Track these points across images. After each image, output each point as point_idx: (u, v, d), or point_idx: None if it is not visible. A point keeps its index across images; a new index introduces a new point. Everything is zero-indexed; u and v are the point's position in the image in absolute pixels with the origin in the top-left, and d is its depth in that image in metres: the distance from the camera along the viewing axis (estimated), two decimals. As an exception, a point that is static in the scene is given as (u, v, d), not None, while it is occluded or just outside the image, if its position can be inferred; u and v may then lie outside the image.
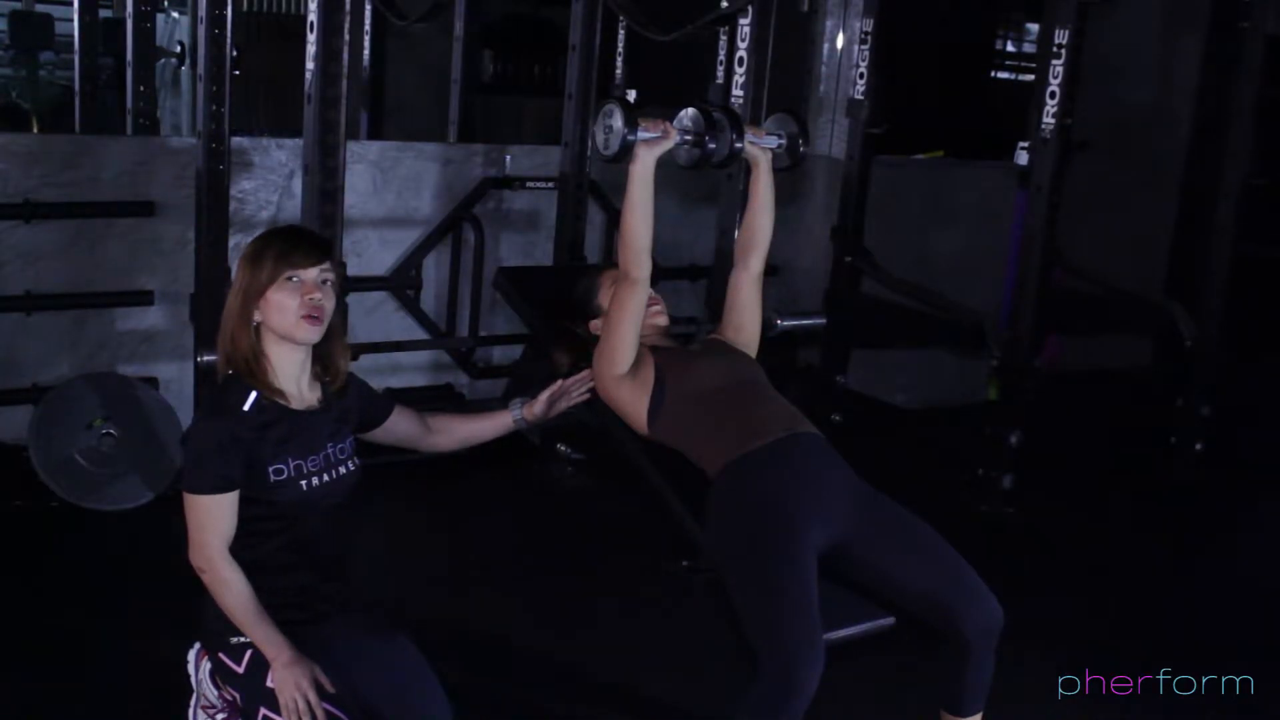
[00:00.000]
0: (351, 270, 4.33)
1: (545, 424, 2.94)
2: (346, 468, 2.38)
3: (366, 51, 6.38)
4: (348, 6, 3.62)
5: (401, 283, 4.96)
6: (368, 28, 6.31)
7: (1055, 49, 4.32)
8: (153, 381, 4.35)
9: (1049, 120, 4.36)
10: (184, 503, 2.25)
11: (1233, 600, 4.08)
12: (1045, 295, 4.52)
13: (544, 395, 2.80)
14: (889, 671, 3.37)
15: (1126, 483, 5.16)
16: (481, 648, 3.38)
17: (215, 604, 2.26)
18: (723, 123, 2.99)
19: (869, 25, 4.92)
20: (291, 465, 2.28)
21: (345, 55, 3.65)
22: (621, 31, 5.66)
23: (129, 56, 5.56)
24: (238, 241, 4.04)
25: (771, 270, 3.41)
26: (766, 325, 3.34)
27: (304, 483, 2.29)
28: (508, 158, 5.12)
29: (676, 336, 3.16)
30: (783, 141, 3.18)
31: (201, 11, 3.78)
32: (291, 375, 2.33)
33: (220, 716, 2.41)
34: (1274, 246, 6.13)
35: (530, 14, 8.72)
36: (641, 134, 2.83)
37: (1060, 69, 4.31)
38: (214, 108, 3.81)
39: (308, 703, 2.19)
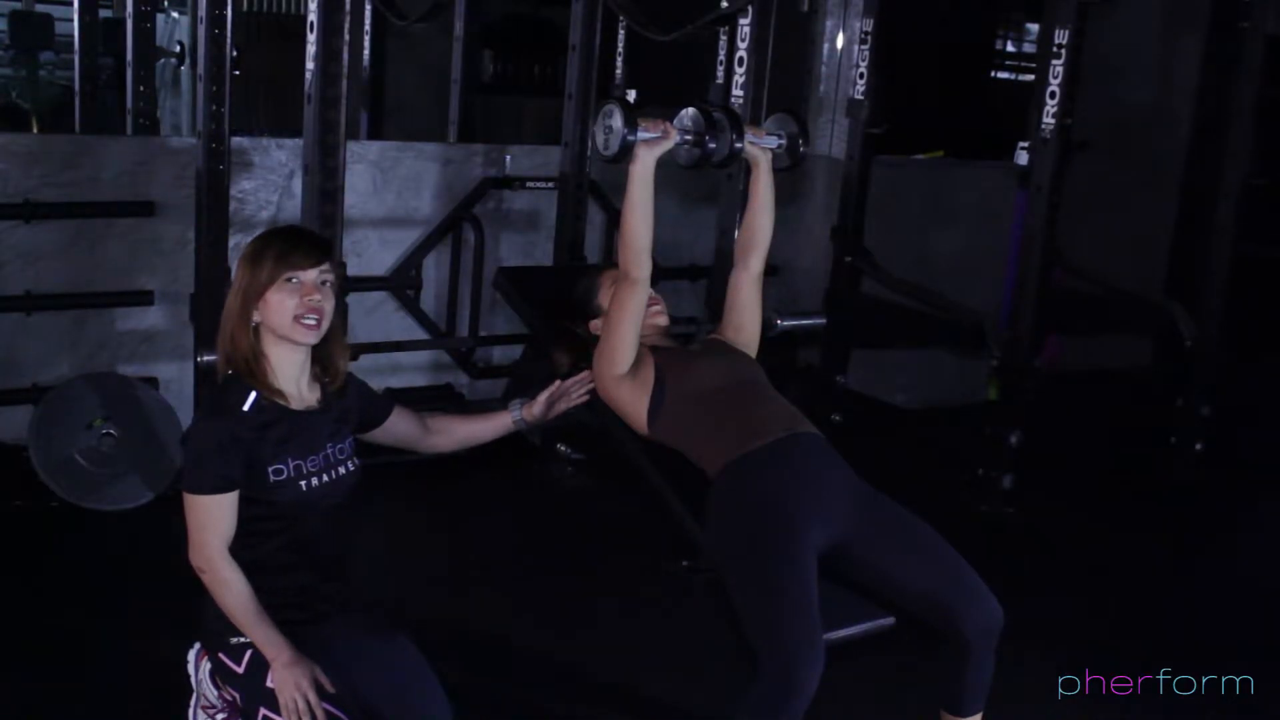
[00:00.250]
0: (351, 270, 4.33)
1: (545, 424, 2.93)
2: (346, 468, 2.38)
3: (366, 51, 6.38)
4: (348, 6, 3.62)
5: (401, 283, 4.95)
6: (368, 28, 6.31)
7: (1055, 49, 4.32)
8: (153, 381, 4.35)
9: (1049, 120, 4.36)
10: (184, 503, 2.25)
11: (1233, 600, 4.08)
12: (1045, 295, 4.52)
13: (543, 396, 2.80)
14: (889, 671, 3.37)
15: (1126, 483, 5.16)
16: (481, 648, 3.38)
17: (215, 604, 2.26)
18: (723, 123, 2.99)
19: (869, 25, 4.92)
20: (291, 465, 2.28)
21: (345, 55, 3.65)
22: (621, 31, 5.66)
23: (129, 56, 5.56)
24: (238, 241, 4.04)
25: (771, 270, 3.41)
26: (766, 325, 3.34)
27: (303, 483, 2.29)
28: (508, 158, 5.12)
29: (676, 336, 3.16)
30: (783, 141, 3.18)
31: (201, 11, 3.78)
32: (291, 375, 2.34)
33: (220, 716, 2.41)
34: (1274, 246, 6.13)
35: (530, 14, 8.72)
36: (641, 134, 2.83)
37: (1060, 69, 4.31)
38: (214, 108, 3.81)
39: (308, 703, 2.20)
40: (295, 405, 2.33)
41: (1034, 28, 7.66)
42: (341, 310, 2.46)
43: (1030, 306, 4.51)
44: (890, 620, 3.49)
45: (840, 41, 6.00)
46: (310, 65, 3.66)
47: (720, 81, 4.45)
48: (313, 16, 3.63)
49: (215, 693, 2.39)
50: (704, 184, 5.15)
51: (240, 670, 2.27)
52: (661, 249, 3.05)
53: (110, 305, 4.38)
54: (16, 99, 7.46)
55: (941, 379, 5.91)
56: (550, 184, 5.04)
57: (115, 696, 3.00)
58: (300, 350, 2.33)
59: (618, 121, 2.82)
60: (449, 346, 5.09)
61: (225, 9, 3.76)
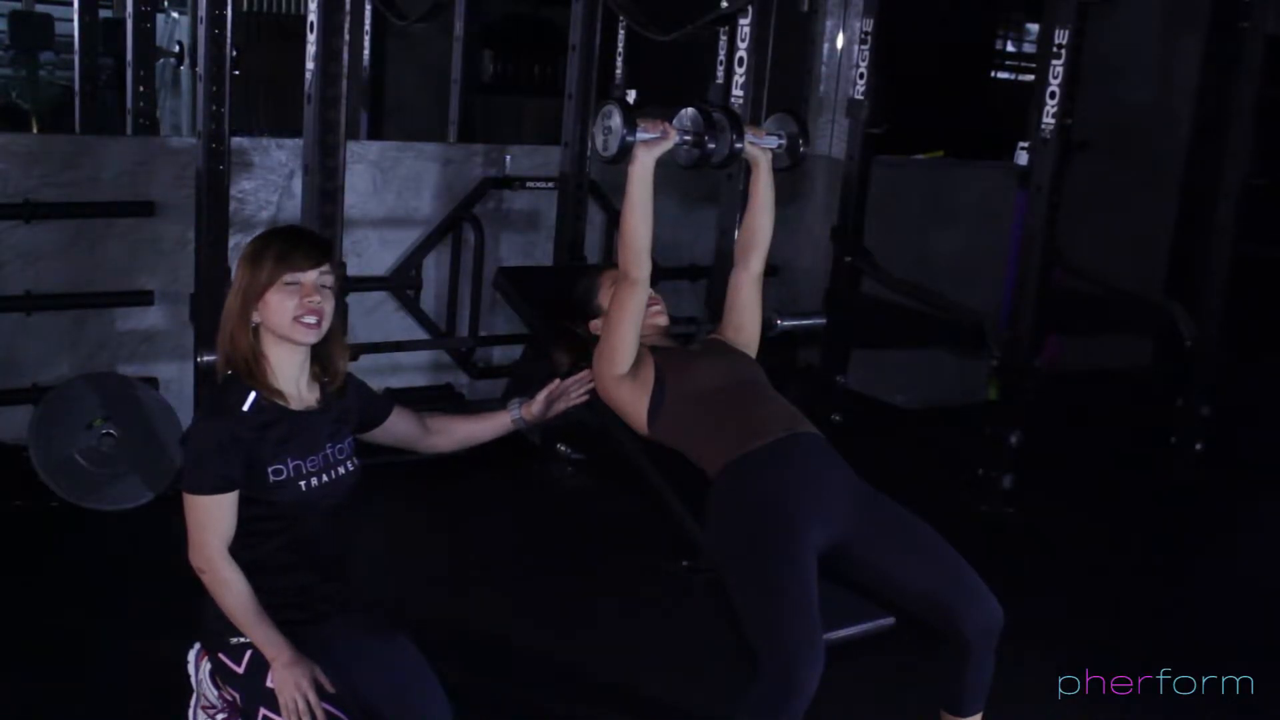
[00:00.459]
0: (351, 270, 4.33)
1: (545, 424, 2.93)
2: (346, 468, 2.38)
3: (366, 51, 6.38)
4: (348, 6, 3.62)
5: (401, 283, 4.95)
6: (368, 28, 6.31)
7: (1055, 49, 4.32)
8: (153, 381, 4.35)
9: (1049, 120, 4.36)
10: (184, 503, 2.25)
11: (1233, 600, 4.08)
12: (1045, 295, 4.52)
13: (541, 395, 2.80)
14: (889, 671, 3.37)
15: (1126, 483, 5.16)
16: (481, 648, 3.38)
17: (215, 604, 2.26)
18: (722, 123, 2.99)
19: (869, 25, 4.92)
20: (291, 466, 2.28)
21: (345, 55, 3.65)
22: (621, 31, 5.65)
23: (129, 56, 5.56)
24: (238, 241, 4.04)
25: (771, 270, 3.41)
26: (766, 325, 3.34)
27: (303, 483, 2.29)
28: (508, 158, 5.12)
29: (676, 336, 3.16)
30: (783, 142, 3.17)
31: (201, 11, 3.78)
32: (291, 376, 2.34)
33: (220, 717, 2.41)
34: (1274, 246, 6.13)
35: (530, 14, 8.72)
36: (640, 135, 2.82)
37: (1060, 69, 4.31)
38: (214, 108, 3.81)
39: (308, 703, 2.20)
40: (295, 405, 2.33)
41: (1034, 28, 7.66)
42: (341, 310, 2.46)
43: (1030, 306, 4.51)
44: (890, 620, 3.49)
45: (840, 41, 6.00)
46: (310, 65, 3.66)
47: (720, 81, 4.45)
48: (313, 16, 3.63)
49: (215, 693, 2.39)
50: (704, 184, 5.15)
51: (240, 670, 2.27)
52: (661, 249, 3.05)
53: (110, 305, 4.37)
54: (16, 99, 7.46)
55: (941, 379, 5.91)
56: (550, 184, 5.04)
57: (115, 696, 3.00)
58: (300, 350, 2.33)
59: (617, 122, 2.82)
60: (449, 346, 5.09)
61: (225, 9, 3.76)
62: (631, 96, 4.41)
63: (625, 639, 3.53)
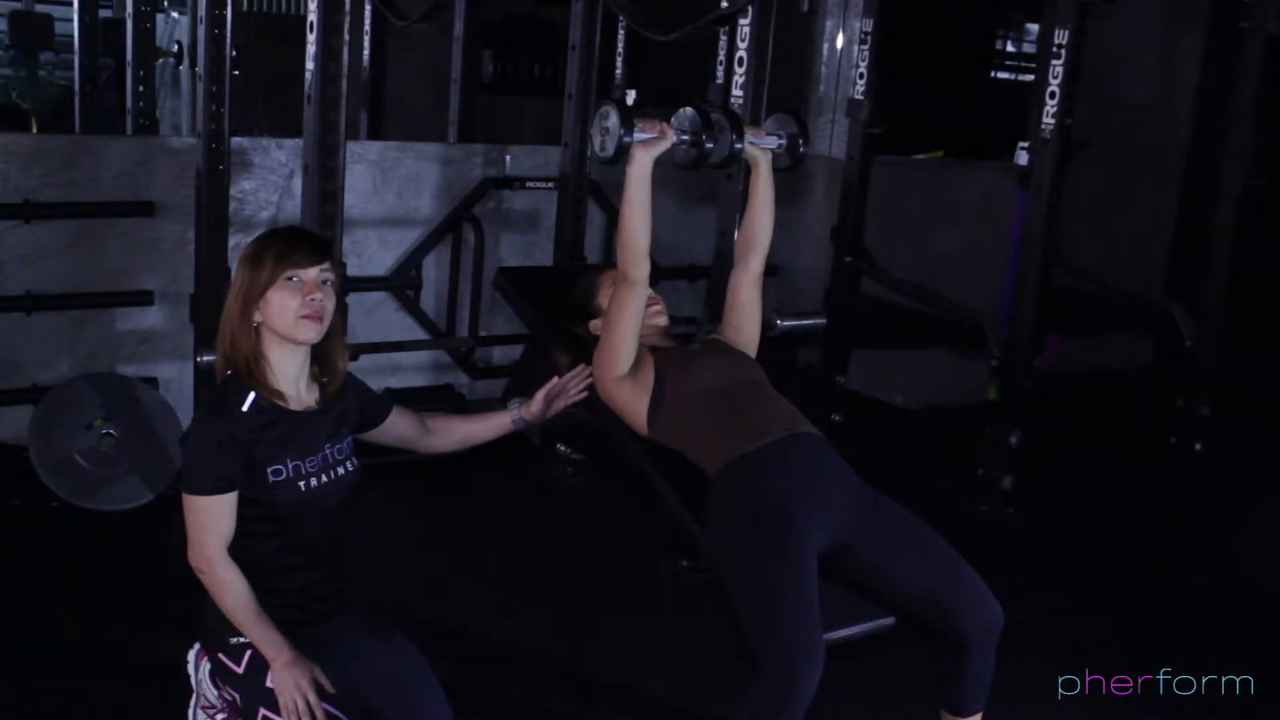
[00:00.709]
0: (351, 270, 4.32)
1: (545, 424, 2.93)
2: (345, 468, 2.38)
3: (366, 51, 6.38)
4: (348, 6, 3.62)
5: (401, 283, 4.95)
6: (368, 28, 6.31)
7: (1055, 49, 4.32)
8: (153, 381, 4.35)
9: (1049, 120, 4.36)
10: (183, 503, 2.25)
11: (1233, 600, 4.09)
12: (1045, 295, 4.52)
13: (541, 394, 2.79)
14: (889, 671, 3.37)
15: (1126, 483, 5.16)
16: (482, 648, 3.38)
17: (215, 604, 2.26)
18: (721, 123, 2.99)
19: (869, 25, 4.92)
20: (290, 466, 2.28)
21: (345, 55, 3.65)
22: (621, 31, 5.65)
23: (129, 56, 5.56)
24: (238, 241, 4.04)
25: (771, 270, 3.41)
26: (766, 325, 3.34)
27: (303, 484, 2.29)
28: (508, 158, 5.12)
29: (676, 336, 3.16)
30: (783, 142, 3.17)
31: (201, 11, 3.78)
32: (291, 376, 2.33)
33: (220, 717, 2.41)
34: (1274, 246, 6.13)
35: (530, 14, 8.71)
36: (638, 135, 2.82)
37: (1060, 69, 4.31)
38: (214, 108, 3.81)
39: (307, 703, 2.20)
40: (294, 406, 2.33)
41: (1034, 28, 7.66)
42: (341, 310, 2.46)
43: (1030, 306, 4.51)
44: (890, 620, 3.49)
45: (840, 41, 6.00)
46: (310, 65, 3.66)
47: (720, 81, 4.45)
48: (313, 16, 3.63)
49: (215, 693, 2.39)
50: (703, 184, 5.15)
51: (240, 670, 2.27)
52: (661, 249, 3.06)
53: (110, 305, 4.37)
54: (16, 99, 7.46)
55: (941, 379, 5.91)
56: (550, 184, 5.04)
57: (115, 696, 3.00)
58: (300, 350, 2.33)
59: (614, 122, 2.81)
60: (449, 346, 5.09)
61: (225, 9, 3.76)
62: (631, 96, 4.41)
63: (625, 639, 3.53)
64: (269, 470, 2.26)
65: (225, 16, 3.77)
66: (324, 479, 2.32)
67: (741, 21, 4.10)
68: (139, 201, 4.35)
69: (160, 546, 2.95)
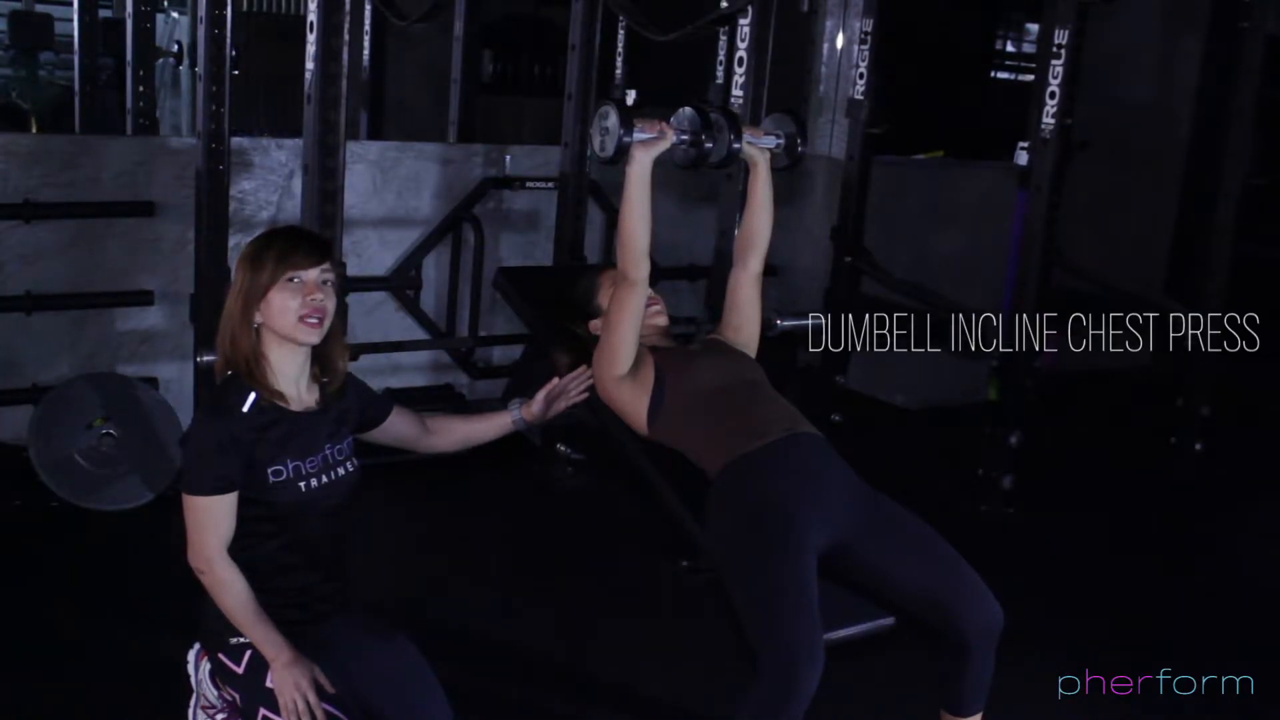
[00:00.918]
0: (351, 270, 4.33)
1: (545, 424, 2.93)
2: (345, 469, 2.38)
3: (366, 51, 6.38)
4: (348, 6, 3.62)
5: (401, 283, 4.96)
6: (368, 28, 6.31)
7: (1055, 49, 4.31)
8: (153, 381, 4.35)
9: (1049, 120, 4.36)
10: (183, 503, 2.25)
11: (1233, 600, 4.09)
12: (1045, 295, 4.52)
13: (541, 394, 2.79)
14: (889, 671, 3.37)
15: (1126, 483, 5.16)
16: (481, 648, 3.38)
17: (215, 604, 2.26)
18: (720, 123, 2.99)
19: (869, 25, 4.92)
20: (290, 467, 2.28)
21: (345, 55, 3.65)
22: (621, 31, 5.66)
23: (129, 56, 5.56)
24: (238, 241, 4.04)
25: (771, 270, 3.41)
26: (766, 325, 3.33)
27: (303, 484, 2.29)
28: (508, 158, 5.12)
29: (676, 336, 3.16)
30: (781, 141, 3.17)
31: (201, 11, 3.78)
32: (291, 377, 2.33)
33: (220, 717, 2.41)
34: (1274, 246, 6.13)
35: (530, 14, 8.71)
36: (638, 135, 2.82)
37: (1060, 69, 4.31)
38: (214, 108, 3.81)
39: (307, 703, 2.20)
40: (294, 406, 2.33)
41: (1034, 28, 7.66)
42: (341, 310, 2.46)
43: (1030, 306, 4.51)
44: (890, 620, 3.49)
45: (840, 41, 6.00)
46: (310, 65, 3.66)
47: (720, 81, 4.44)
48: (313, 16, 3.63)
49: (215, 693, 2.39)
50: (703, 184, 5.15)
51: (240, 670, 2.27)
52: (661, 249, 3.05)
53: (110, 305, 4.37)
54: (16, 99, 7.46)
55: (941, 379, 5.91)
56: (550, 184, 5.04)
57: (115, 696, 3.00)
58: (301, 351, 2.33)
59: (613, 122, 2.81)
60: (449, 346, 5.09)
61: (225, 9, 3.76)
62: (631, 96, 4.40)
63: (625, 639, 3.53)
64: (269, 471, 2.26)
65: (225, 16, 3.77)
66: (324, 479, 2.32)
67: (741, 21, 4.10)
68: (139, 201, 4.35)
69: (160, 546, 2.95)
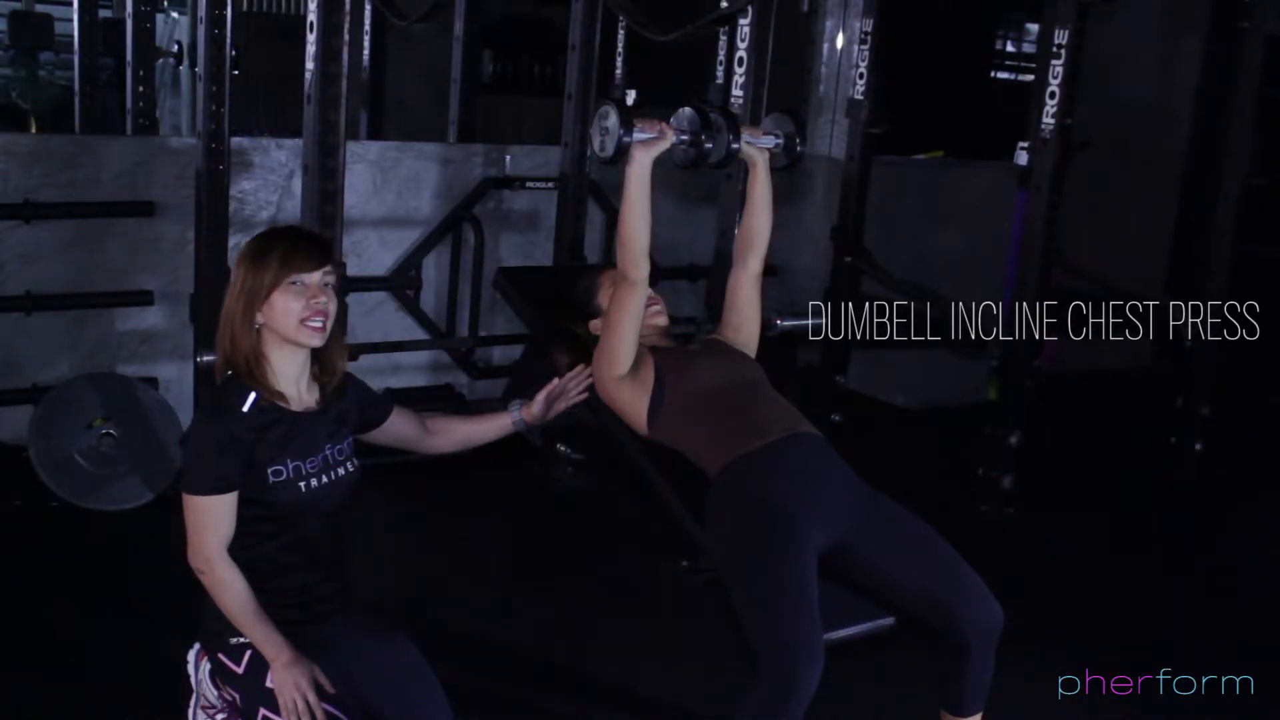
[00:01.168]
0: (351, 270, 4.33)
1: (545, 424, 2.93)
2: (345, 469, 2.38)
3: (366, 51, 6.38)
4: (348, 6, 3.62)
5: (401, 283, 4.96)
6: (368, 28, 6.31)
7: (1055, 49, 4.31)
8: (153, 381, 4.35)
9: (1049, 120, 4.36)
10: (183, 503, 2.25)
11: (1233, 600, 4.09)
12: (1045, 295, 4.52)
13: (541, 395, 2.79)
14: (889, 671, 3.37)
15: (1126, 483, 5.16)
16: (481, 648, 3.38)
17: (215, 604, 2.26)
18: (719, 123, 2.99)
19: (869, 25, 4.92)
20: (290, 467, 2.28)
21: (345, 55, 3.65)
22: (621, 31, 5.65)
23: (129, 56, 5.56)
24: (238, 241, 4.04)
25: (771, 270, 3.41)
26: (766, 325, 3.33)
27: (303, 484, 2.29)
28: (508, 158, 5.12)
29: (676, 336, 3.16)
30: (780, 141, 3.17)
31: (201, 11, 3.79)
32: (291, 377, 2.33)
33: (220, 717, 2.41)
34: (1274, 246, 6.12)
35: (530, 14, 8.71)
36: (638, 135, 2.82)
37: (1060, 69, 4.31)
38: (214, 108, 3.81)
39: (307, 703, 2.20)
40: (295, 407, 2.33)
41: (1034, 28, 7.66)
42: (341, 310, 2.46)
43: (1030, 306, 4.51)
44: (890, 620, 3.49)
45: (840, 41, 5.99)
46: (310, 65, 3.66)
47: (720, 81, 4.44)
48: (313, 16, 3.63)
49: (215, 693, 2.39)
50: (703, 184, 5.15)
51: (240, 670, 2.27)
52: (661, 249, 3.06)
53: (110, 305, 4.37)
54: (16, 99, 7.46)
55: (941, 379, 5.91)
56: (550, 184, 5.04)
57: (115, 696, 3.00)
58: (301, 352, 2.33)
59: (613, 122, 2.81)
60: (449, 346, 5.09)
61: (225, 9, 3.77)
62: (631, 96, 4.40)
63: (625, 639, 3.53)
64: (269, 471, 2.26)
65: (225, 16, 3.77)
66: (324, 479, 2.32)
67: (741, 21, 4.10)
68: (139, 201, 4.35)
69: (160, 546, 2.95)
